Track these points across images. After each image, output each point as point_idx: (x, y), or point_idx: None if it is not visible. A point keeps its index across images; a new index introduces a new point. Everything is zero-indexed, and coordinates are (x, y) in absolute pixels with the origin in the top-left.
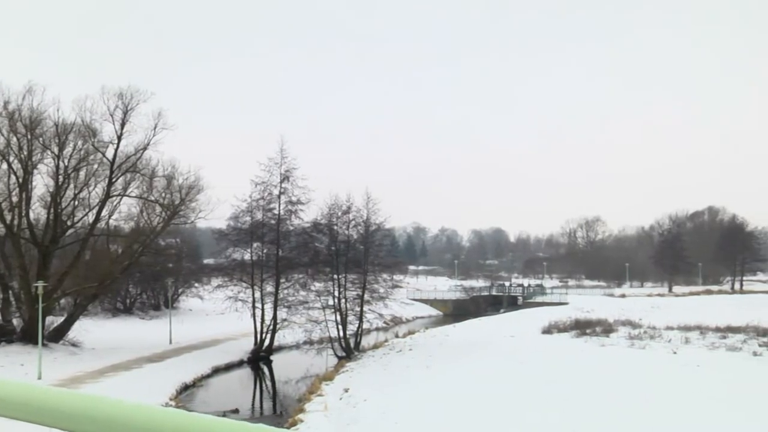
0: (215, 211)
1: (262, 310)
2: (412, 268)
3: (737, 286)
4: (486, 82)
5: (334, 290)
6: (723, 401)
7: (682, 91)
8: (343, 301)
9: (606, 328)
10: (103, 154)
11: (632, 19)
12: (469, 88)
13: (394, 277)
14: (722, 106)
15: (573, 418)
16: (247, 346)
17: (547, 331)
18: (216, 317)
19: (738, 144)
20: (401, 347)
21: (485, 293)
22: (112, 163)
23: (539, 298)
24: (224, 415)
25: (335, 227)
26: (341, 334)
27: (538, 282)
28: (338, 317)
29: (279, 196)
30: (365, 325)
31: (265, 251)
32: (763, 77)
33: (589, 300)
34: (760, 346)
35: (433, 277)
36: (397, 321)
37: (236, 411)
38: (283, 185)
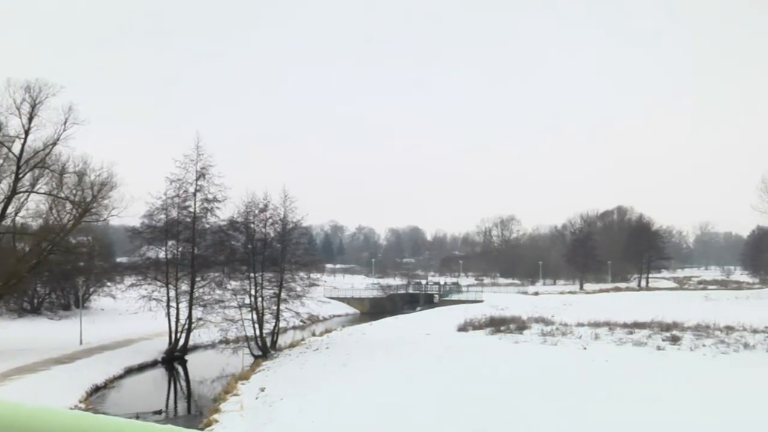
0: (129, 208)
1: (177, 309)
2: (329, 266)
3: (644, 283)
4: (403, 81)
5: (250, 289)
6: (629, 394)
7: (590, 96)
8: (259, 299)
9: (520, 326)
10: (9, 149)
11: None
12: (385, 87)
13: (311, 275)
14: (632, 112)
15: (488, 414)
16: (161, 345)
17: (463, 328)
18: (129, 317)
19: (645, 146)
20: (318, 346)
21: (402, 291)
22: (19, 158)
23: (455, 296)
24: (138, 417)
25: (252, 225)
26: (258, 332)
27: (454, 280)
28: (255, 316)
29: (195, 194)
30: (282, 324)
31: (180, 249)
32: (656, 82)
33: (503, 298)
34: (663, 340)
35: (351, 275)
36: (314, 319)
37: (159, 412)
38: (198, 183)
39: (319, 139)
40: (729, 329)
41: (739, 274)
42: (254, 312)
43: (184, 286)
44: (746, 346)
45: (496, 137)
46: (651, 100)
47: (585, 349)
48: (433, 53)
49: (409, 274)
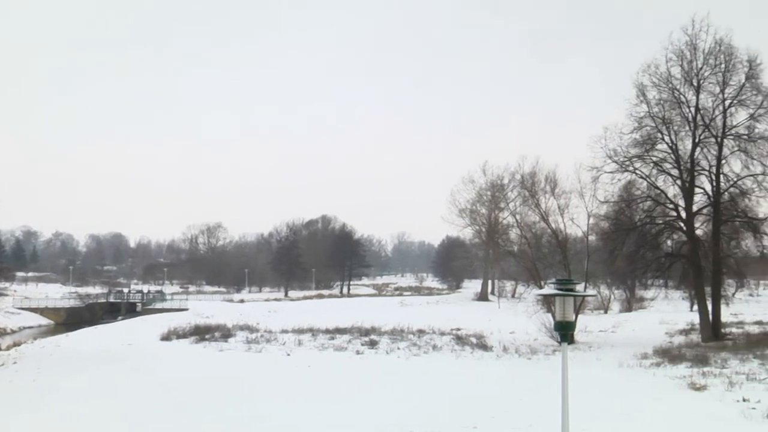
0: None
1: None
2: (20, 274)
3: (345, 289)
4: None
5: None
6: (328, 397)
7: (282, 105)
8: None
9: (225, 333)
10: None
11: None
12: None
13: None
14: (335, 123)
15: (191, 424)
16: None
17: (166, 337)
18: None
19: (349, 157)
20: (4, 360)
21: (103, 300)
22: None
23: (159, 305)
24: None
25: None
26: None
27: (159, 288)
28: None
29: None
30: None
31: None
32: (363, 95)
33: (209, 305)
34: (362, 345)
35: (45, 284)
36: (0, 332)
37: None
38: None
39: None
40: (421, 332)
41: (431, 281)
42: None
43: None
44: (435, 347)
45: (205, 142)
46: (357, 111)
47: (289, 355)
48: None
49: (110, 282)
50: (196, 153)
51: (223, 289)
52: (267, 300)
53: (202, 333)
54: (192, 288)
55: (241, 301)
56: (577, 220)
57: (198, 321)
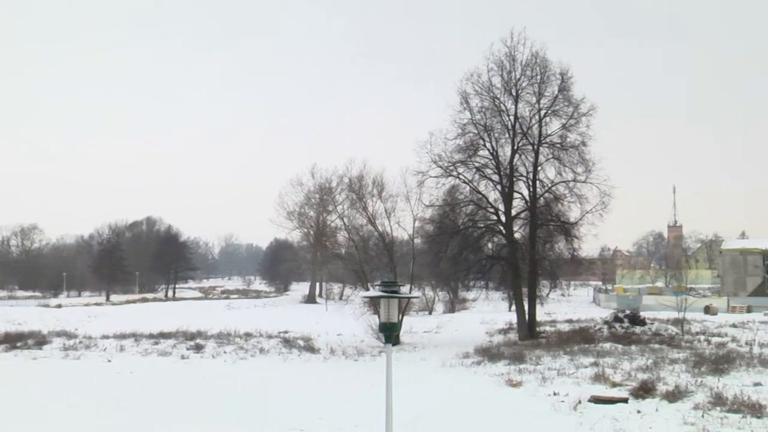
0: None
1: None
2: None
3: (171, 293)
4: None
5: None
6: (151, 403)
7: (112, 106)
8: None
9: (39, 340)
10: None
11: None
12: None
13: None
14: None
15: None
16: None
17: None
18: None
19: (173, 159)
20: None
21: None
22: None
23: None
24: None
25: None
26: None
27: None
28: None
29: None
30: None
31: None
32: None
33: (21, 311)
34: (187, 349)
35: None
36: None
37: None
38: None
39: None
40: (248, 336)
41: (259, 283)
42: None
43: None
44: (262, 351)
45: (20, 138)
46: (181, 111)
47: (110, 361)
48: None
49: None
50: (9, 149)
51: (38, 294)
52: (87, 305)
53: (12, 340)
54: (2, 293)
55: (59, 306)
56: (403, 223)
57: (8, 328)
